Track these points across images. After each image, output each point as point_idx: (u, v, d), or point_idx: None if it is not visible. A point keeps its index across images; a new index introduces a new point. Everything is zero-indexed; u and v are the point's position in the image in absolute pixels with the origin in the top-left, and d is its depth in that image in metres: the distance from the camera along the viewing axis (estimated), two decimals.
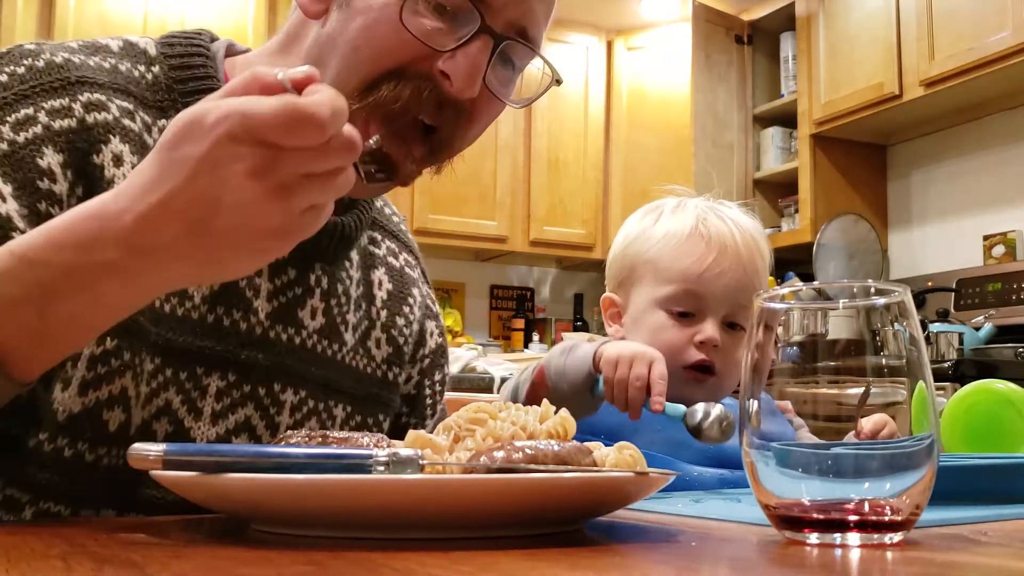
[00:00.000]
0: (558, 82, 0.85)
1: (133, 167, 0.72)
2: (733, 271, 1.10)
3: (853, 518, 0.49)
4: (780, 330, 0.53)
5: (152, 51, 0.81)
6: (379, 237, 0.95)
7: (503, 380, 3.36)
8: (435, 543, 0.50)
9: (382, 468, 0.50)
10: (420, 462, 0.51)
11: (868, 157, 3.92)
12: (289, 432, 0.60)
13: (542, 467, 0.52)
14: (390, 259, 0.96)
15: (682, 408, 0.89)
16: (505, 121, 4.33)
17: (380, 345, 0.91)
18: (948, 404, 1.02)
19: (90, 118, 0.73)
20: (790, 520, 0.51)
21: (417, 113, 0.75)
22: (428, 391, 0.98)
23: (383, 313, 0.92)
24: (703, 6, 4.12)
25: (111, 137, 0.73)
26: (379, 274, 0.93)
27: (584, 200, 4.51)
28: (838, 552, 0.49)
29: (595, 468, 0.55)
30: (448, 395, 1.58)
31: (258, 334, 0.79)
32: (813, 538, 0.50)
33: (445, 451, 0.56)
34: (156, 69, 0.80)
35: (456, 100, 0.75)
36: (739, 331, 1.10)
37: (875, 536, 0.49)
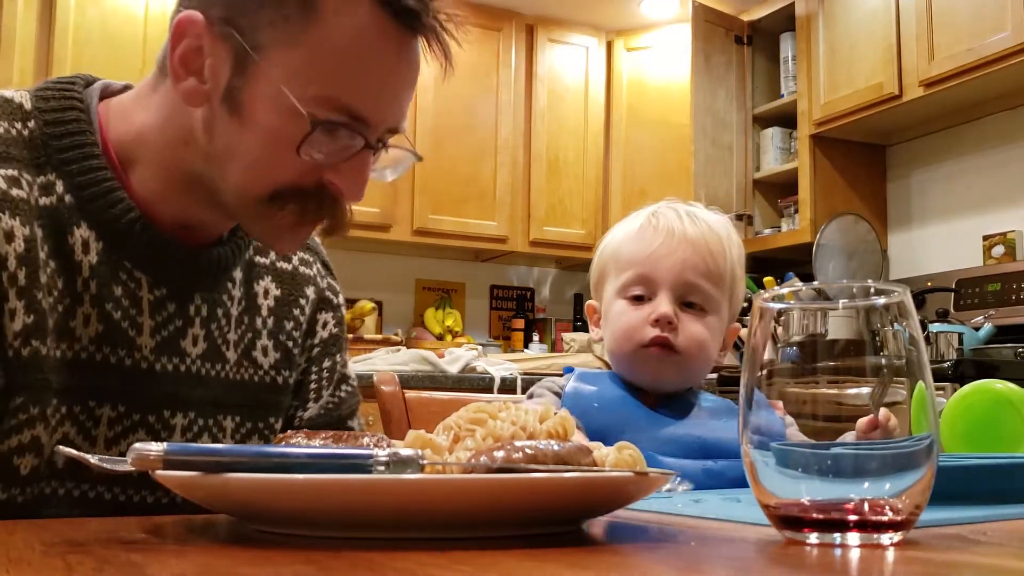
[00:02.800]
0: (419, 159, 0.92)
1: (25, 238, 0.78)
2: (681, 250, 1.14)
3: (853, 518, 0.49)
4: (780, 330, 0.53)
5: (28, 105, 0.85)
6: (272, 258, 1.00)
7: (503, 380, 3.36)
8: (435, 543, 0.50)
9: (382, 468, 0.50)
10: (420, 462, 0.51)
11: (868, 157, 3.92)
12: (289, 432, 0.60)
13: (542, 467, 0.52)
14: (280, 264, 1.01)
15: None
16: (505, 122, 4.33)
17: (267, 352, 0.97)
18: (947, 404, 1.02)
19: None
20: (790, 520, 0.51)
21: (319, 218, 0.84)
22: (313, 377, 1.03)
23: (270, 321, 0.97)
24: (703, 6, 4.11)
25: (1, 215, 0.77)
26: (265, 283, 0.98)
27: (584, 200, 4.51)
28: (838, 552, 0.49)
29: (595, 468, 0.55)
30: (448, 395, 1.58)
31: (144, 368, 0.85)
32: (813, 538, 0.50)
33: (445, 451, 0.56)
34: (32, 124, 0.83)
35: (343, 201, 0.84)
36: (698, 310, 1.14)
37: (875, 536, 0.49)
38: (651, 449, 1.03)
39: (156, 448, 0.51)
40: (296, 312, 1.00)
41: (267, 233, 0.85)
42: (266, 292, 0.98)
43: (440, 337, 4.19)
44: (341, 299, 1.08)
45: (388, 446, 0.54)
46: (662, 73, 4.50)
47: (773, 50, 4.19)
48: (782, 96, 4.07)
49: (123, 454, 0.78)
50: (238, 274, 0.95)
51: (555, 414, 0.61)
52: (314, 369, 1.03)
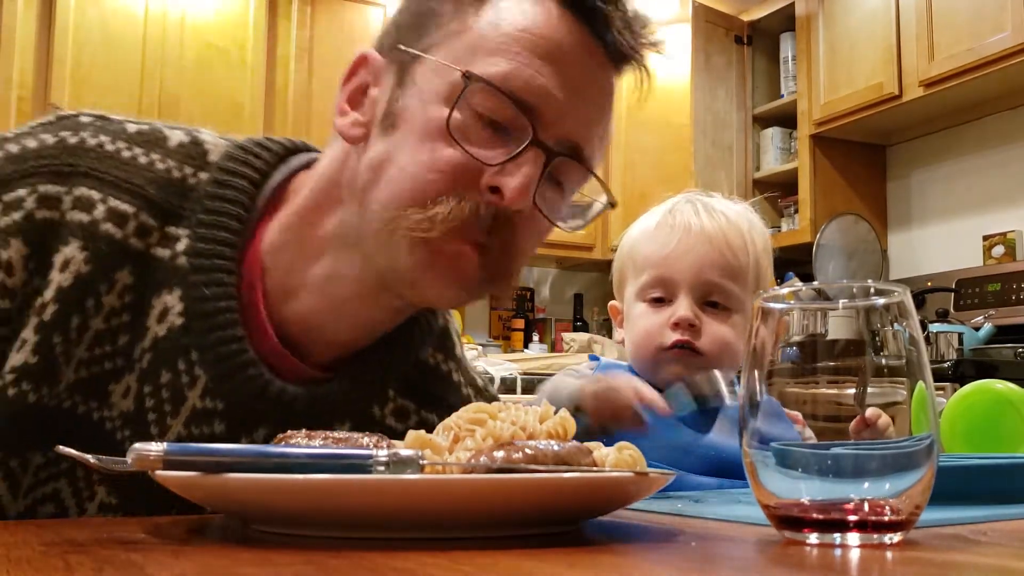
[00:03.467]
0: (612, 205, 0.79)
1: (77, 275, 0.72)
2: (699, 248, 1.09)
3: (853, 518, 0.49)
4: (780, 331, 0.53)
5: (214, 157, 0.79)
6: (414, 407, 0.86)
7: (503, 380, 3.36)
8: (435, 543, 0.50)
9: (382, 468, 0.50)
10: (420, 462, 0.51)
11: (868, 157, 3.92)
12: (289, 432, 0.60)
13: (542, 467, 0.52)
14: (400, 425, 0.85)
15: (676, 388, 0.91)
16: None
17: None
18: (948, 404, 1.02)
19: (69, 215, 0.73)
20: (790, 520, 0.51)
21: (473, 234, 0.72)
22: None
23: None
24: (703, 6, 4.11)
25: (72, 240, 0.72)
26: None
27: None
28: (838, 552, 0.49)
29: (595, 468, 0.55)
30: None
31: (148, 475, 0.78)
32: (813, 538, 0.50)
33: (445, 451, 0.56)
34: (203, 176, 0.78)
35: (508, 216, 0.72)
36: (721, 310, 1.09)
37: (875, 536, 0.49)
38: (668, 459, 1.00)
39: (156, 448, 0.50)
40: None
41: (417, 265, 0.72)
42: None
43: None
44: None
45: (388, 446, 0.54)
46: (662, 73, 4.49)
47: (773, 50, 4.19)
48: (782, 96, 4.07)
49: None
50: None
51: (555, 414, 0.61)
52: None
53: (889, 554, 0.48)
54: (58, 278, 0.72)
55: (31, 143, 0.76)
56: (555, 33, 0.74)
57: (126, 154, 0.76)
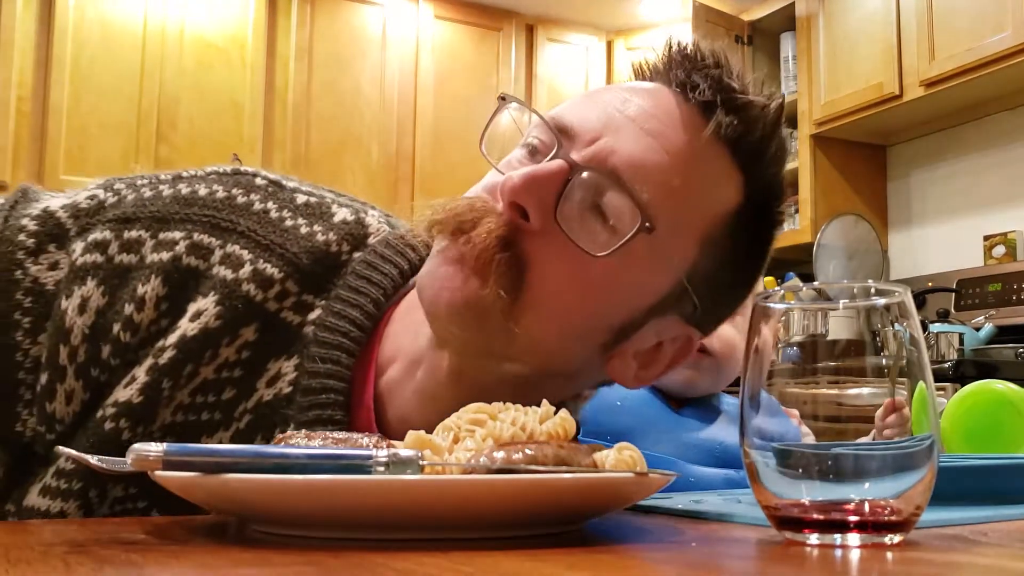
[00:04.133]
0: (648, 229, 0.66)
1: (205, 328, 0.71)
2: None
3: (853, 519, 0.49)
4: (780, 331, 0.53)
5: (373, 239, 0.78)
6: None
7: None
8: (435, 543, 0.50)
9: (382, 468, 0.50)
10: (420, 462, 0.51)
11: (868, 157, 3.92)
12: (289, 432, 0.60)
13: (542, 468, 0.52)
14: None
15: None
16: None
17: None
18: (948, 404, 1.02)
19: (215, 269, 0.73)
20: (790, 521, 0.51)
21: (496, 248, 0.66)
22: None
23: None
24: (703, 6, 4.12)
25: (212, 293, 0.72)
26: None
27: None
28: (838, 553, 0.49)
29: (595, 469, 0.55)
30: None
31: None
32: (813, 539, 0.50)
33: (445, 451, 0.56)
34: (356, 256, 0.76)
35: (524, 228, 0.66)
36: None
37: (875, 537, 0.49)
38: (673, 454, 1.00)
39: (156, 448, 0.51)
40: None
41: (427, 275, 0.71)
42: None
43: None
44: None
45: (388, 447, 0.54)
46: None
47: (773, 50, 4.20)
48: (782, 96, 4.07)
49: None
50: None
51: (555, 414, 0.61)
52: None
53: (890, 555, 0.48)
54: (186, 326, 0.71)
55: (201, 190, 0.76)
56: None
57: (288, 223, 0.76)
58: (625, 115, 0.69)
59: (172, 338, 0.71)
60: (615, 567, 0.47)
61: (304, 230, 0.76)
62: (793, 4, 3.93)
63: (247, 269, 0.73)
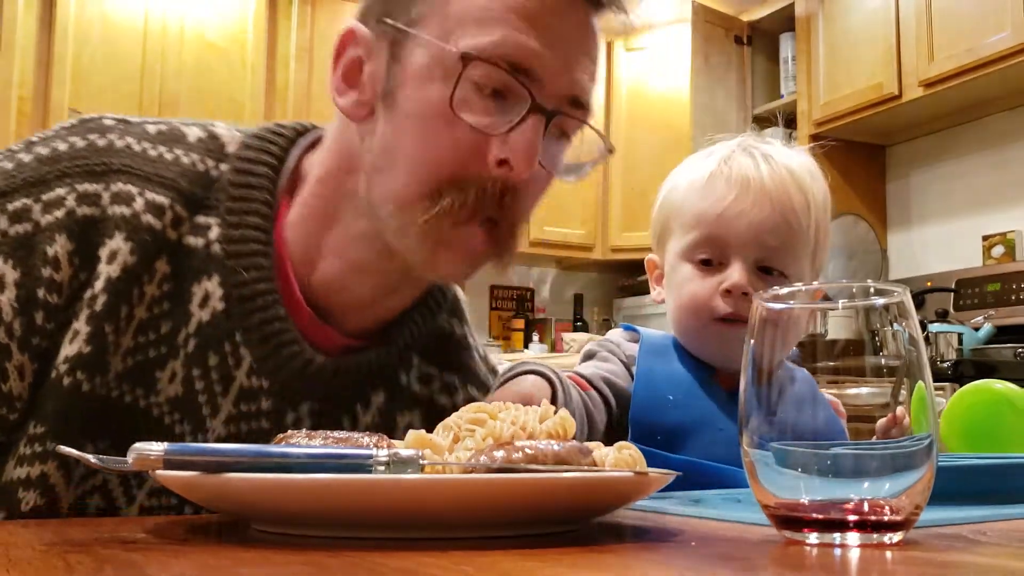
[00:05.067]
0: (610, 151, 0.81)
1: (124, 265, 0.75)
2: (759, 208, 0.96)
3: (852, 518, 0.49)
4: (780, 332, 0.53)
5: (231, 148, 0.82)
6: (436, 372, 0.90)
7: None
8: (435, 543, 0.50)
9: (382, 468, 0.50)
10: (420, 462, 0.51)
11: (867, 157, 3.92)
12: (289, 432, 0.60)
13: (542, 467, 0.52)
14: (440, 397, 0.89)
15: None
16: None
17: None
18: (948, 404, 1.02)
19: (111, 210, 0.76)
20: (789, 520, 0.51)
21: (482, 214, 0.74)
22: None
23: None
24: (702, 7, 4.11)
25: (117, 233, 0.75)
26: (411, 416, 0.87)
27: (584, 200, 4.51)
28: (837, 552, 0.49)
29: (595, 468, 0.55)
30: None
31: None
32: (812, 538, 0.50)
33: (445, 451, 0.56)
34: (224, 167, 0.81)
35: (515, 185, 0.74)
36: (777, 277, 0.97)
37: (874, 536, 0.49)
38: (731, 454, 0.93)
39: (156, 448, 0.51)
40: None
41: (428, 247, 0.75)
42: (408, 427, 0.86)
43: None
44: None
45: (388, 446, 0.54)
46: (662, 74, 4.50)
47: (773, 50, 4.20)
48: (782, 96, 4.07)
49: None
50: (378, 399, 0.85)
51: (555, 413, 0.61)
52: None
53: (889, 554, 0.48)
54: (107, 270, 0.75)
55: (60, 145, 0.78)
56: None
57: (152, 153, 0.79)
58: (563, 38, 0.76)
59: (98, 284, 0.74)
60: (615, 567, 0.47)
61: (168, 156, 0.80)
62: (792, 5, 3.93)
63: (139, 202, 0.76)
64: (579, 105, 0.77)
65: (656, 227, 1.07)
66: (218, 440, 0.78)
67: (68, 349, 0.73)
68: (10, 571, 0.42)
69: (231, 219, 0.79)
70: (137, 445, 0.51)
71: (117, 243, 0.75)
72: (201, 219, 0.78)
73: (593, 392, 0.94)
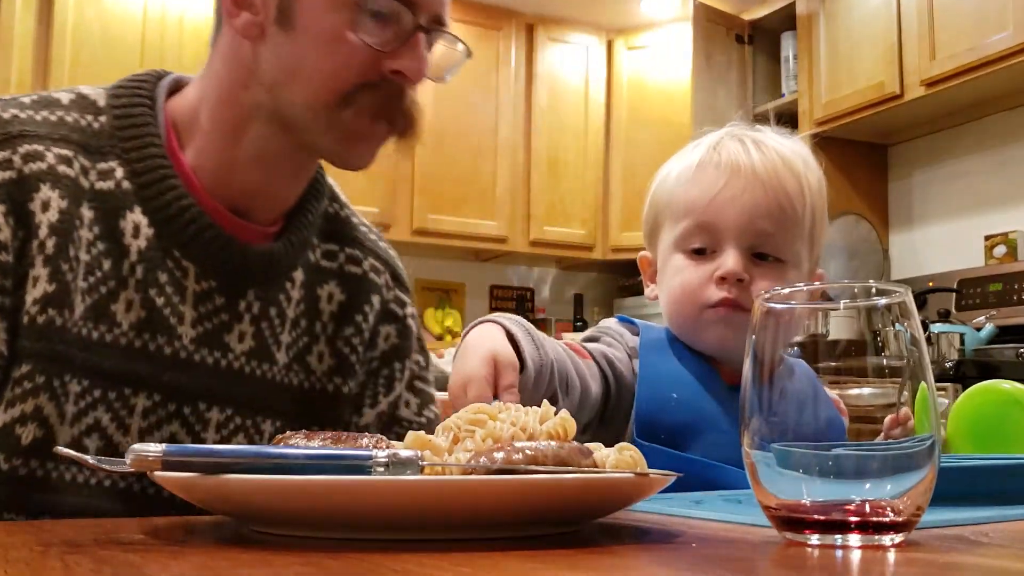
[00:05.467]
0: (469, 55, 0.95)
1: (61, 211, 0.81)
2: (750, 192, 0.95)
3: (854, 519, 0.49)
4: (781, 331, 0.53)
5: (101, 102, 0.90)
6: (336, 248, 1.00)
7: None
8: (435, 543, 0.50)
9: (382, 469, 0.50)
10: (420, 463, 0.51)
11: (869, 157, 3.92)
12: (289, 432, 0.60)
13: (542, 468, 0.51)
14: (349, 267, 1.00)
15: None
16: (505, 121, 4.33)
17: (323, 359, 0.96)
18: (956, 404, 1.01)
19: (27, 168, 0.82)
20: (791, 521, 0.51)
21: (386, 114, 0.86)
22: (369, 390, 1.00)
23: (330, 327, 0.96)
24: (703, 6, 4.11)
25: (41, 185, 0.81)
26: (330, 287, 0.98)
27: (584, 200, 4.51)
28: (839, 553, 0.49)
29: (595, 469, 0.55)
30: (446, 396, 1.56)
31: (182, 358, 0.86)
32: (814, 539, 0.50)
33: (444, 452, 0.56)
34: (103, 119, 0.89)
35: (409, 89, 0.88)
36: (772, 262, 0.96)
37: (876, 537, 0.49)
38: (732, 454, 0.92)
39: (155, 449, 0.50)
40: (359, 319, 0.98)
41: (343, 144, 0.86)
42: (330, 297, 0.97)
43: (440, 337, 4.19)
44: (409, 310, 1.05)
45: (387, 447, 0.54)
46: (663, 73, 4.50)
47: (774, 49, 4.19)
48: (783, 95, 4.07)
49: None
50: (299, 276, 0.95)
51: (555, 414, 0.61)
52: (371, 382, 1.00)
53: (890, 555, 0.48)
54: (45, 218, 0.81)
55: None
56: None
57: (38, 117, 0.86)
58: None
59: (42, 232, 0.80)
60: (615, 567, 0.46)
61: (53, 118, 0.86)
62: (794, 3, 3.92)
63: (50, 156, 0.83)
64: (442, 22, 0.91)
65: (647, 222, 1.06)
66: (191, 342, 0.86)
67: (34, 293, 0.79)
68: (8, 572, 0.42)
69: (130, 157, 0.86)
70: (136, 446, 0.51)
71: (46, 193, 0.81)
72: (102, 165, 0.86)
73: (591, 362, 0.93)
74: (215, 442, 0.87)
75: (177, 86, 0.93)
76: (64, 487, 0.81)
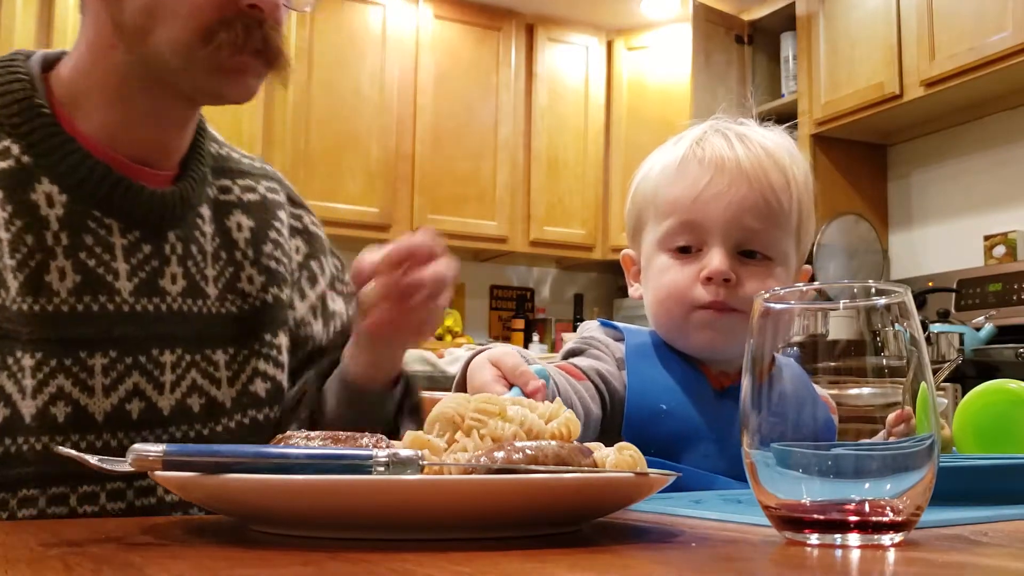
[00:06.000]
0: None
1: None
2: (735, 188, 0.92)
3: (853, 519, 0.49)
4: (781, 331, 0.53)
5: None
6: (230, 183, 1.03)
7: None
8: (435, 543, 0.50)
9: (382, 468, 0.50)
10: (420, 463, 0.51)
11: (868, 157, 3.92)
12: (289, 432, 0.60)
13: (542, 468, 0.51)
14: (247, 196, 1.03)
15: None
16: (505, 121, 4.33)
17: (253, 280, 0.99)
18: (961, 404, 1.01)
19: None
20: (790, 521, 0.51)
21: (253, 46, 0.87)
22: (297, 287, 1.05)
23: (250, 251, 1.00)
24: (703, 6, 4.11)
25: None
26: (237, 217, 1.00)
27: (584, 200, 4.51)
28: (838, 553, 0.49)
29: (595, 469, 0.55)
30: (448, 395, 1.56)
31: (126, 311, 0.88)
32: (813, 539, 0.50)
33: (443, 452, 0.56)
34: None
35: (268, 19, 0.89)
36: (759, 260, 0.94)
37: (875, 537, 0.49)
38: (729, 465, 0.88)
39: (155, 449, 0.50)
40: (274, 235, 1.02)
41: (215, 79, 0.87)
42: (239, 225, 1.00)
43: (440, 337, 4.19)
44: (308, 219, 1.09)
45: (387, 447, 0.54)
46: (662, 73, 4.50)
47: (774, 49, 4.19)
48: (783, 96, 4.07)
49: (121, 402, 0.86)
50: (206, 211, 0.97)
51: (563, 414, 0.61)
52: (296, 284, 1.05)
53: (890, 555, 0.48)
54: None
55: None
56: None
57: None
58: None
59: None
60: (615, 567, 0.47)
61: None
62: (793, 4, 3.92)
63: None
64: None
65: (630, 220, 1.03)
66: (130, 294, 0.88)
67: None
68: (8, 571, 0.42)
69: (21, 132, 0.87)
70: (136, 446, 0.51)
71: None
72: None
73: (588, 382, 0.92)
74: (172, 382, 0.89)
75: (47, 63, 0.94)
76: (27, 459, 0.82)
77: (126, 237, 0.89)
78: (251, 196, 1.03)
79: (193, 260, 0.94)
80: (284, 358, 1.00)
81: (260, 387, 0.96)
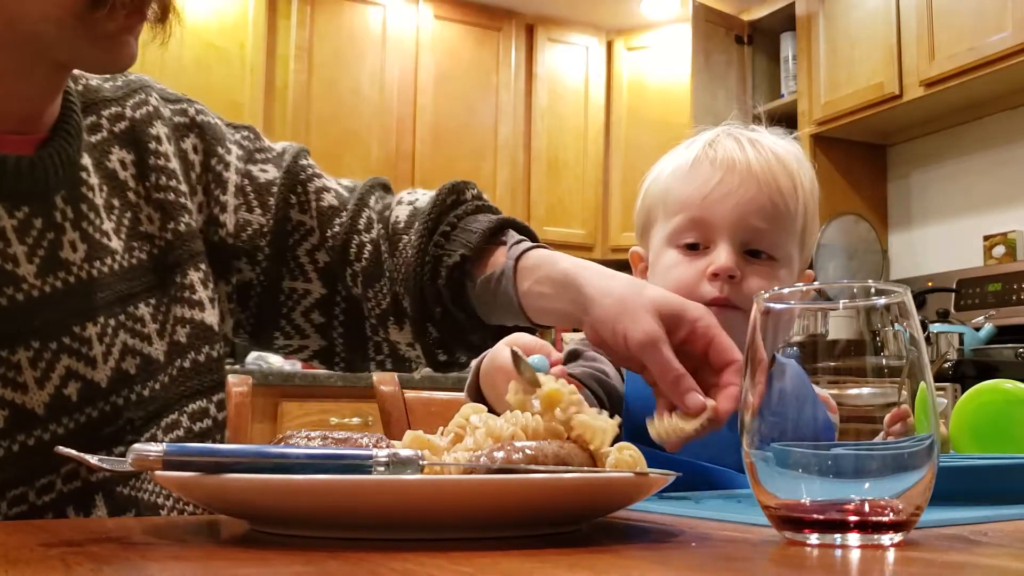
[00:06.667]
0: None
1: None
2: (744, 189, 0.95)
3: (853, 518, 0.49)
4: (781, 331, 0.53)
5: None
6: (96, 118, 0.95)
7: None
8: (435, 543, 0.50)
9: (382, 468, 0.50)
10: (420, 462, 0.51)
11: (868, 157, 3.92)
12: (289, 432, 0.60)
13: (542, 468, 0.51)
14: (118, 125, 0.95)
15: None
16: (505, 121, 4.33)
17: (152, 219, 0.93)
18: (958, 404, 1.01)
19: None
20: (790, 521, 0.51)
21: (136, 8, 0.81)
22: (205, 200, 0.99)
23: (140, 187, 0.93)
24: (703, 6, 4.11)
25: None
26: (116, 153, 0.93)
27: (584, 200, 4.51)
28: (838, 553, 0.49)
29: (595, 469, 0.55)
30: (448, 395, 1.56)
31: (36, 296, 0.82)
32: (813, 539, 0.50)
33: (444, 451, 0.56)
34: None
35: None
36: (764, 259, 0.96)
37: (875, 537, 0.49)
38: (728, 458, 0.88)
39: (155, 449, 0.50)
40: (159, 161, 0.95)
41: (102, 47, 0.82)
42: (122, 163, 0.93)
43: None
44: (193, 109, 1.01)
45: (387, 447, 0.54)
46: (662, 73, 4.50)
47: (773, 50, 4.19)
48: (782, 96, 4.07)
49: (57, 389, 0.82)
50: (87, 161, 0.90)
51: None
52: (207, 198, 0.98)
53: (889, 555, 0.48)
54: None
55: None
56: None
57: None
58: None
59: None
60: (615, 567, 0.47)
61: None
62: (793, 4, 3.92)
63: None
64: None
65: (639, 218, 1.06)
66: (36, 277, 0.82)
67: None
68: (9, 571, 0.42)
69: None
70: (136, 446, 0.51)
71: None
72: None
73: (587, 392, 0.93)
74: (103, 353, 0.84)
75: None
76: None
77: (14, 217, 0.82)
78: (121, 124, 0.95)
79: (87, 219, 0.87)
80: (202, 294, 0.93)
81: (181, 333, 0.90)
